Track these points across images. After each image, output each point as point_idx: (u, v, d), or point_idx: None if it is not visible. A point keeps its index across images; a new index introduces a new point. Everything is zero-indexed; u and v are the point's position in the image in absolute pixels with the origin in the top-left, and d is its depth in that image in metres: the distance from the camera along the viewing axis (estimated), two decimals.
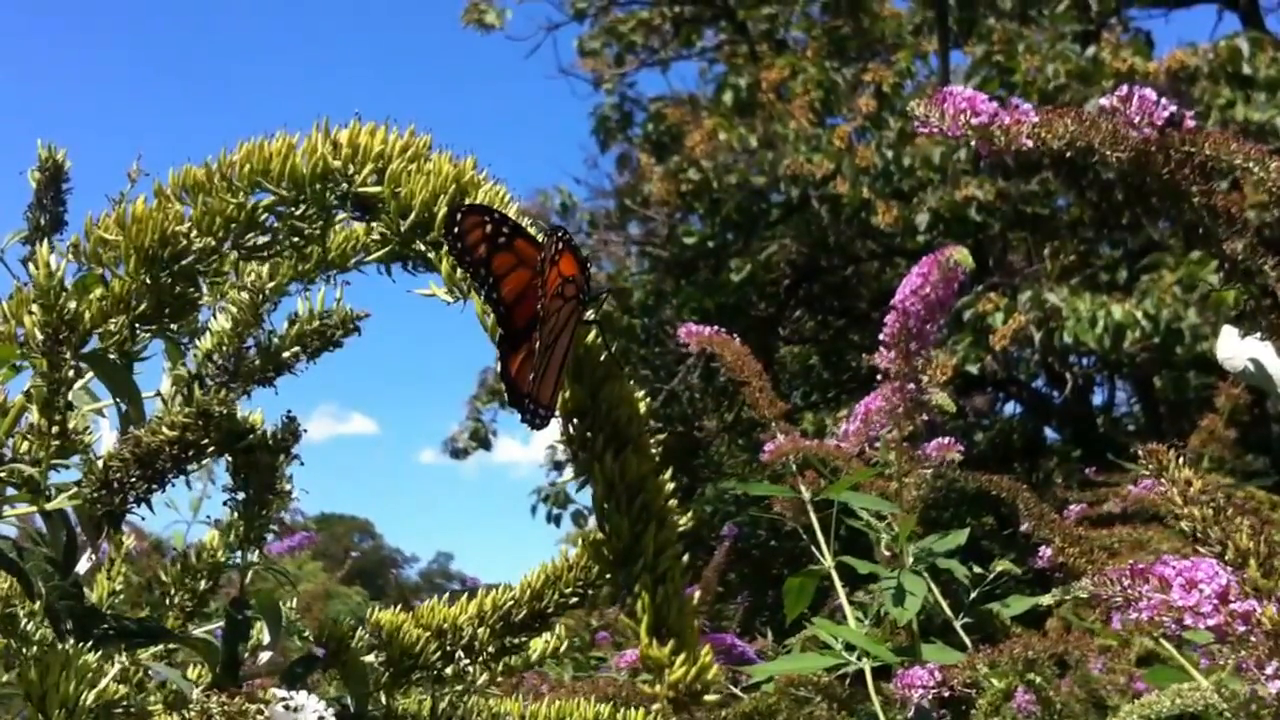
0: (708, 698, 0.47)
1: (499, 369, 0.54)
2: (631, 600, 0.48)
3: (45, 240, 0.72)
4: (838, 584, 1.57)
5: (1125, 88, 0.74)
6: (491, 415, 7.88)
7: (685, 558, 0.49)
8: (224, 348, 0.71)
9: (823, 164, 6.12)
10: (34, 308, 0.59)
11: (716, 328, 1.64)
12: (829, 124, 6.62)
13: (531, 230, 0.54)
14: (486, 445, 7.89)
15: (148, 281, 0.62)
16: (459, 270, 0.55)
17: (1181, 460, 0.66)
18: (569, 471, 0.53)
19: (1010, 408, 8.15)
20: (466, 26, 7.54)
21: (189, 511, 1.57)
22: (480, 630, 0.71)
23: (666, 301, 7.10)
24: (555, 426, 0.54)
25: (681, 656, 0.47)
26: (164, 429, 0.60)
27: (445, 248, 0.54)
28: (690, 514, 0.52)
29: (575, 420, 0.51)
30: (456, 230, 0.52)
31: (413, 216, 0.56)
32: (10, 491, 0.65)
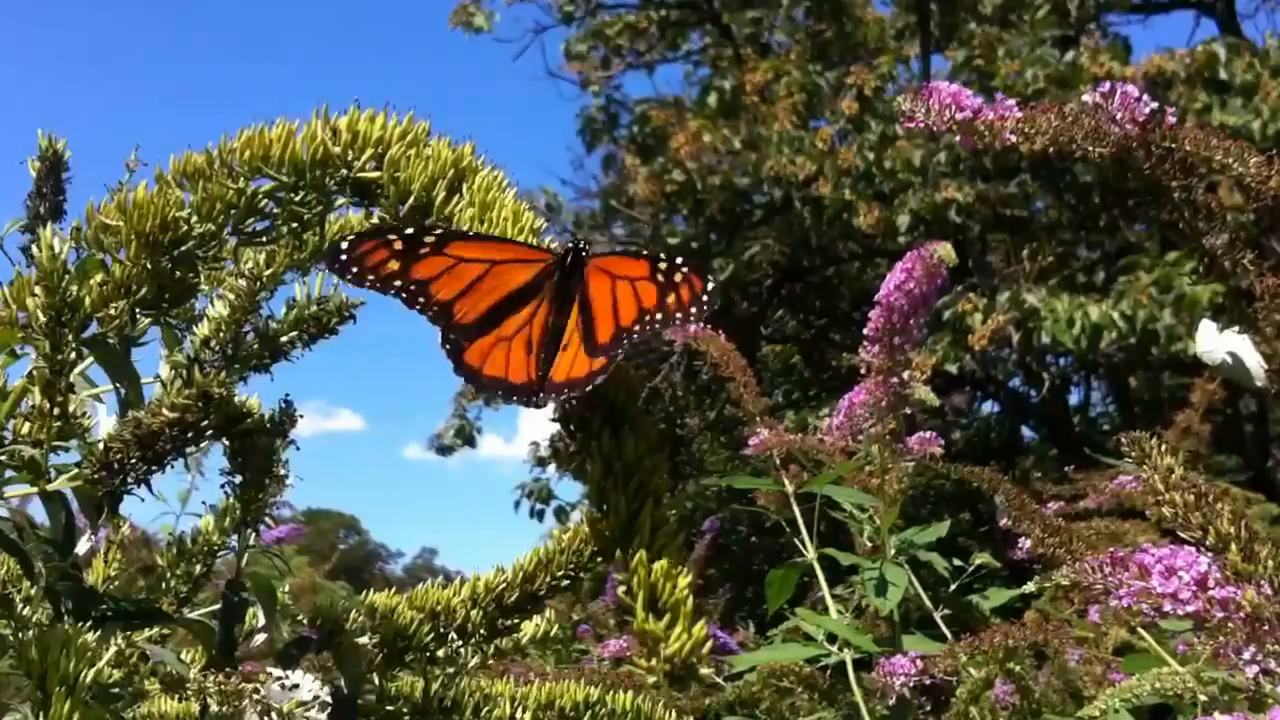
0: (702, 671, 0.48)
1: (451, 363, 0.57)
2: (628, 576, 0.49)
3: (46, 227, 0.72)
4: (820, 576, 1.59)
5: (1107, 84, 0.76)
6: (476, 413, 7.91)
7: (680, 536, 0.50)
8: (221, 334, 0.72)
9: (805, 166, 6.15)
10: (37, 290, 0.59)
11: (702, 324, 1.65)
12: (812, 126, 6.65)
13: (464, 230, 0.58)
14: (471, 442, 7.90)
15: (148, 266, 0.63)
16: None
17: (1163, 448, 0.67)
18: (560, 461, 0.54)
19: (988, 407, 8.22)
20: (454, 28, 7.54)
21: (178, 503, 1.58)
22: (473, 612, 0.72)
23: None
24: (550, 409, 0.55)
25: (676, 631, 0.48)
26: (164, 410, 0.61)
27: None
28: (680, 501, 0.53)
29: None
30: (344, 259, 0.56)
31: (411, 200, 0.57)
32: (9, 475, 0.65)
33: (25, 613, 0.81)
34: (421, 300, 0.57)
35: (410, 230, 0.57)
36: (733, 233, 6.87)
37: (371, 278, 0.57)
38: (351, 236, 0.57)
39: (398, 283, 0.57)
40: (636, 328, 0.55)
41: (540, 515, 7.67)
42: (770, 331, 7.90)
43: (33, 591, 0.76)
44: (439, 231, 0.58)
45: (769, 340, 7.93)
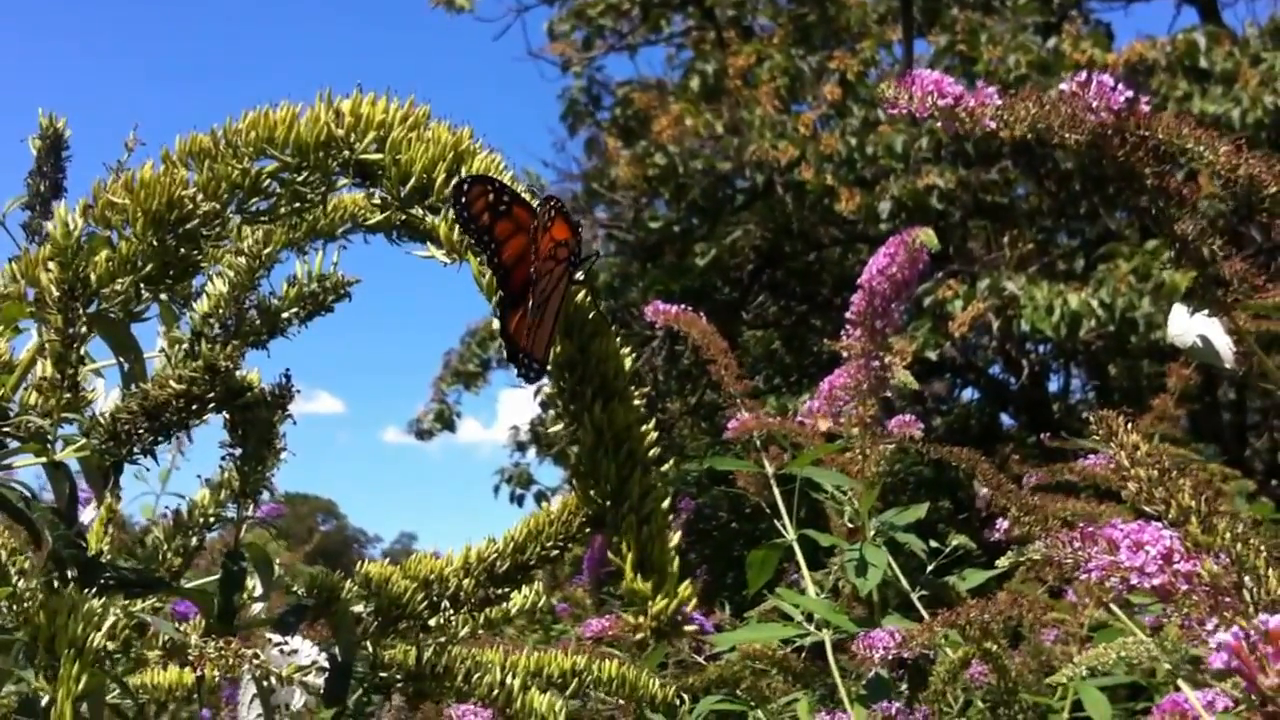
0: (687, 628, 0.50)
1: (498, 327, 0.58)
2: (618, 539, 0.51)
3: (50, 204, 0.74)
4: (800, 558, 1.61)
5: (1084, 73, 0.78)
6: (456, 397, 7.91)
7: (667, 501, 0.52)
8: (221, 310, 0.74)
9: (787, 150, 6.17)
10: (51, 265, 0.61)
11: (684, 306, 1.67)
12: (794, 111, 6.66)
13: (528, 198, 0.58)
14: (451, 427, 7.90)
15: (154, 243, 0.65)
16: (458, 234, 0.58)
17: (1130, 425, 0.70)
18: (557, 427, 0.56)
19: (968, 394, 8.27)
20: (435, 7, 7.51)
21: (158, 483, 1.59)
22: (465, 581, 0.74)
23: (632, 285, 7.14)
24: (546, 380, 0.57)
25: (663, 590, 0.50)
26: (171, 382, 0.63)
27: (448, 212, 0.57)
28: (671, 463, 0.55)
29: (566, 373, 0.55)
30: (464, 199, 0.55)
31: (413, 182, 0.59)
32: (14, 445, 0.67)
33: (22, 585, 0.82)
34: (496, 261, 0.56)
35: (500, 183, 0.56)
36: (714, 217, 6.89)
37: (473, 225, 0.55)
38: (471, 176, 0.56)
39: (486, 236, 0.56)
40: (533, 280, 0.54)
41: (520, 500, 7.69)
42: (751, 317, 7.93)
43: (28, 565, 0.78)
44: (511, 191, 0.56)
45: (750, 326, 7.95)
